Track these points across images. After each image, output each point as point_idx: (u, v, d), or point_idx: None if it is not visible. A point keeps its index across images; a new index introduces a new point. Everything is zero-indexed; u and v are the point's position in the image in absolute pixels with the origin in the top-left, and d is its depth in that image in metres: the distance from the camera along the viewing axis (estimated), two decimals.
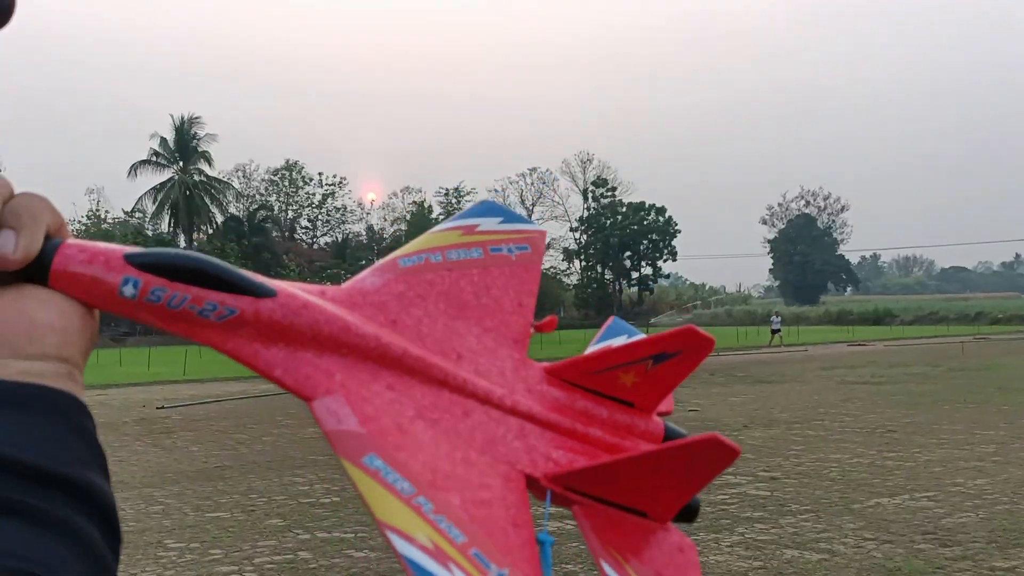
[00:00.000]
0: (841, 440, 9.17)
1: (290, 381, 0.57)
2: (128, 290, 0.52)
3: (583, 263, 69.60)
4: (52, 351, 0.48)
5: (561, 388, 0.69)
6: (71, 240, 0.53)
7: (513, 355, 0.69)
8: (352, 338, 0.60)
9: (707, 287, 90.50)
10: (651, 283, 70.99)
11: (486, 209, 0.77)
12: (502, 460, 0.61)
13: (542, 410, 0.66)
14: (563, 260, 70.99)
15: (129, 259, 0.53)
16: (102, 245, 0.54)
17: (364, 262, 64.63)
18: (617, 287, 69.39)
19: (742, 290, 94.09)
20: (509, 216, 0.78)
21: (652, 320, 60.58)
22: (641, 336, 0.82)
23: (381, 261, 0.69)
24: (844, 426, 10.26)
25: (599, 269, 69.31)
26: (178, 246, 53.41)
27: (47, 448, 0.44)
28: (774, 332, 33.59)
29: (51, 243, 0.51)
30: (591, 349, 0.83)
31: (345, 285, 0.66)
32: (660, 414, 0.75)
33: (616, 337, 0.87)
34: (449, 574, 0.50)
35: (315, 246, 68.14)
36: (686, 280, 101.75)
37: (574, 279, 70.15)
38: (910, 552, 4.98)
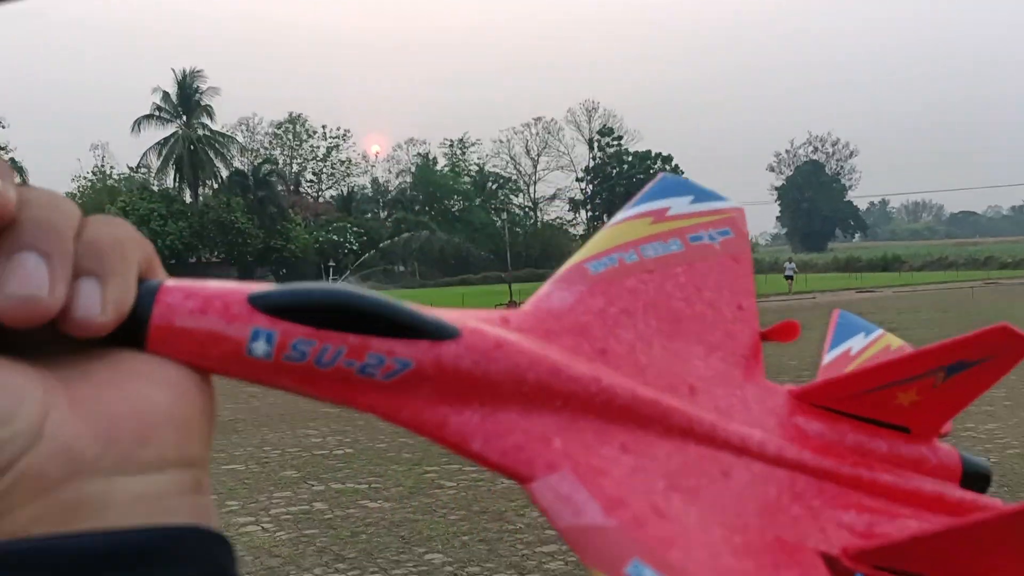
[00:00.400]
0: None
1: (495, 456, 0.42)
2: (260, 347, 0.38)
3: (589, 213, 69.37)
4: (172, 453, 0.33)
5: (819, 418, 0.53)
6: (170, 282, 0.38)
7: (751, 379, 0.53)
8: (565, 384, 0.44)
9: None
10: None
11: (671, 186, 0.61)
12: (788, 538, 0.45)
13: (811, 455, 0.50)
14: (569, 211, 70.79)
15: (256, 302, 0.38)
16: (213, 285, 0.38)
17: (369, 215, 64.58)
18: None
19: (749, 238, 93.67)
20: (700, 192, 0.62)
21: None
22: (880, 332, 0.66)
23: (563, 269, 0.54)
24: None
25: (605, 219, 68.92)
26: (184, 201, 53.26)
27: None
28: (788, 279, 33.24)
29: (146, 287, 0.36)
30: (829, 356, 0.66)
31: (528, 306, 0.50)
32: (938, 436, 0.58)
33: (852, 337, 0.70)
34: None
35: (320, 199, 68.01)
36: None
37: (580, 230, 69.99)
38: None
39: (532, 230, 67.24)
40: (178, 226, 48.81)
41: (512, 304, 28.06)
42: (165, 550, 0.30)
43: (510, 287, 31.05)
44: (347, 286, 0.41)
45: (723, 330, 0.54)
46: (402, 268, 58.93)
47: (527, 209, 71.39)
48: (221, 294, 0.38)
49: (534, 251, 63.37)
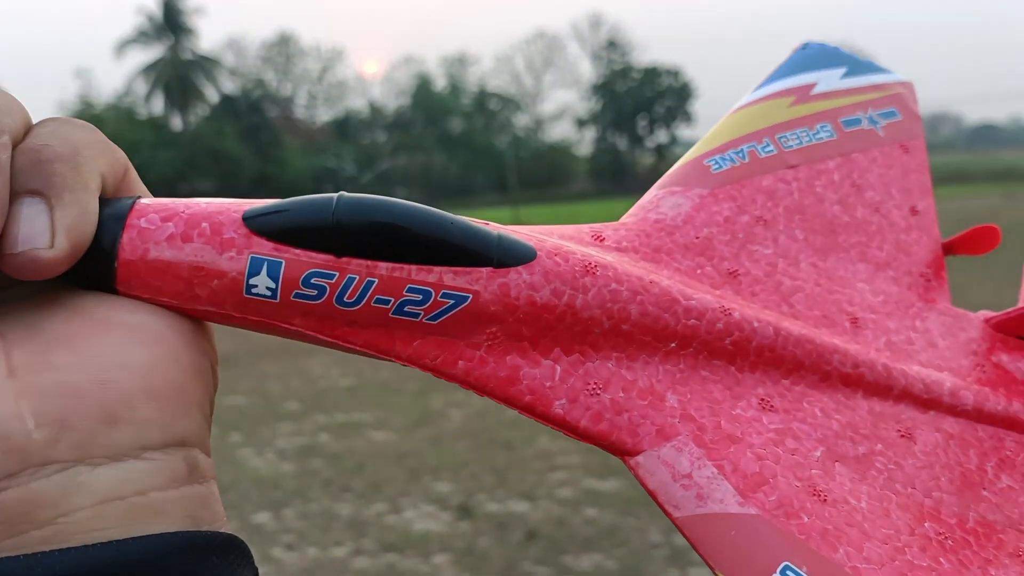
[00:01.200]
0: None
1: (586, 421, 0.31)
2: (262, 283, 0.29)
3: (596, 132, 68.43)
4: (154, 436, 0.25)
5: None
6: (146, 200, 0.29)
7: (934, 305, 0.42)
8: (682, 320, 0.33)
9: None
10: (668, 150, 70.00)
11: (818, 57, 0.47)
12: (1000, 525, 0.34)
13: (1022, 406, 0.39)
14: (577, 131, 69.90)
15: (253, 223, 0.29)
16: (201, 203, 0.30)
17: (368, 141, 63.80)
18: (632, 156, 68.52)
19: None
20: (855, 63, 0.48)
21: None
22: None
23: (677, 167, 0.41)
24: None
25: (612, 138, 68.23)
26: (173, 130, 52.55)
27: None
28: None
29: (112, 209, 0.28)
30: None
31: (632, 218, 0.38)
32: None
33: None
34: None
35: (315, 124, 67.15)
36: None
37: (586, 149, 69.27)
38: None
39: (537, 153, 66.52)
40: (169, 155, 48.24)
41: None
42: (150, 569, 0.22)
43: (515, 210, 30.86)
44: (374, 197, 0.31)
45: (893, 242, 0.44)
46: (401, 192, 58.61)
47: (531, 131, 70.48)
48: (209, 214, 0.29)
49: (539, 173, 62.78)
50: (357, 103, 70.20)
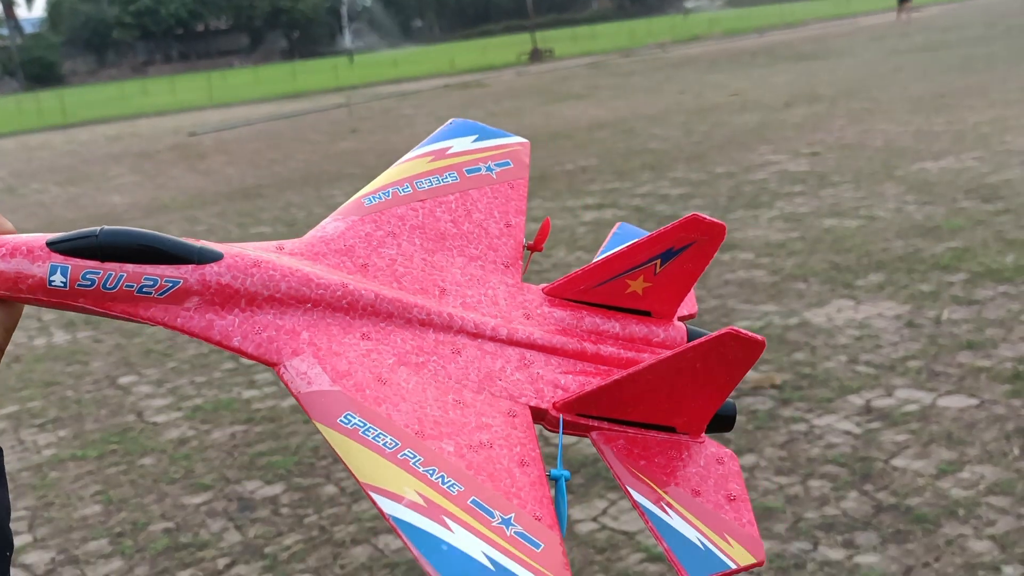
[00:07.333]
0: (888, 111, 8.82)
1: (251, 348, 0.54)
2: (58, 279, 0.51)
3: None
4: None
5: (564, 307, 0.65)
6: None
7: (505, 281, 0.65)
8: (315, 291, 0.57)
9: None
10: None
11: (458, 129, 0.73)
12: (503, 395, 0.57)
13: (544, 335, 0.62)
14: None
15: (53, 246, 0.51)
16: (22, 237, 0.51)
17: None
18: None
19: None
20: (484, 132, 0.74)
21: (688, 3, 56.86)
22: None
23: (345, 204, 0.67)
24: (892, 97, 9.83)
25: None
26: None
27: None
28: (902, 2, 25.98)
29: None
30: (599, 257, 0.72)
31: (306, 236, 0.63)
32: (683, 318, 0.69)
33: (626, 243, 0.75)
34: (445, 529, 0.46)
35: None
36: None
37: None
38: (951, 211, 4.94)
39: None
40: None
41: (536, 52, 26.83)
42: None
43: (533, 35, 29.57)
44: (127, 228, 0.52)
45: (486, 244, 0.68)
46: (419, 23, 56.11)
47: None
48: (26, 242, 0.51)
49: None
50: None
